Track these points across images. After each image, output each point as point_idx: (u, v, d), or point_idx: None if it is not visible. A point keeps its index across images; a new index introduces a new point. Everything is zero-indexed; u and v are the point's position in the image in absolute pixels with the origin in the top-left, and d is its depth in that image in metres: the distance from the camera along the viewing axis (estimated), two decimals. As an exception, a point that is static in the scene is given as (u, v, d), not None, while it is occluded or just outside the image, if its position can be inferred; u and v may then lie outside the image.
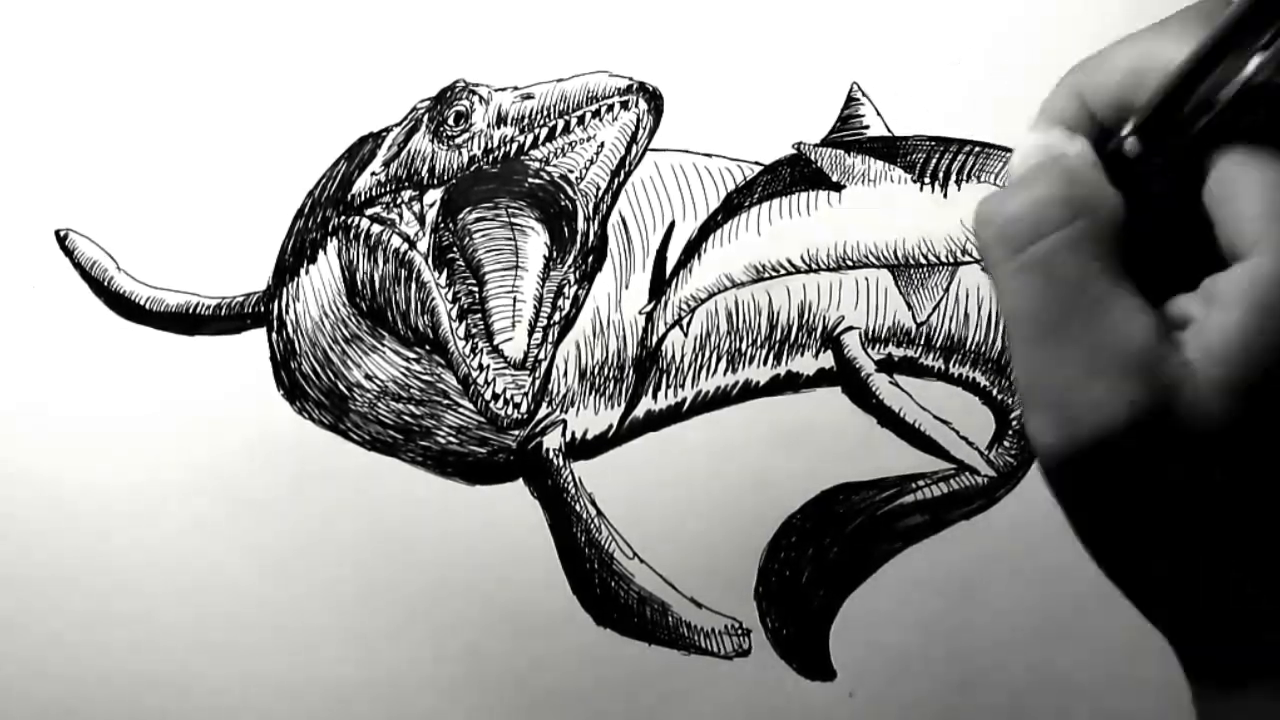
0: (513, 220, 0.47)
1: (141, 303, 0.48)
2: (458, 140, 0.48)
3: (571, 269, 0.47)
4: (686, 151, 0.48)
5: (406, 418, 0.47)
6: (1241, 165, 0.31)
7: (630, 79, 0.47)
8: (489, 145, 0.48)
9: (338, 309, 0.48)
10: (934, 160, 0.47)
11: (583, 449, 0.47)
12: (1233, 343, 0.30)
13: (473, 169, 0.48)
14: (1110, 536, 0.34)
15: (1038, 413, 0.32)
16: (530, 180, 0.47)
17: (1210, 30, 0.31)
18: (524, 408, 0.47)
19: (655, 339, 0.48)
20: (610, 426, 0.48)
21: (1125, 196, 0.33)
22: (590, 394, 0.47)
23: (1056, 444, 0.32)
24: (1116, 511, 0.33)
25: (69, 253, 0.48)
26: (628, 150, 0.47)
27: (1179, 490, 0.32)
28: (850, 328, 0.47)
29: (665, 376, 0.48)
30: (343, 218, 0.48)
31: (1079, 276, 0.32)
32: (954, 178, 0.47)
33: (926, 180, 0.47)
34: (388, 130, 0.48)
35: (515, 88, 0.48)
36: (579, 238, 0.47)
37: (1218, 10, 0.34)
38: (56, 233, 0.48)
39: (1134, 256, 0.33)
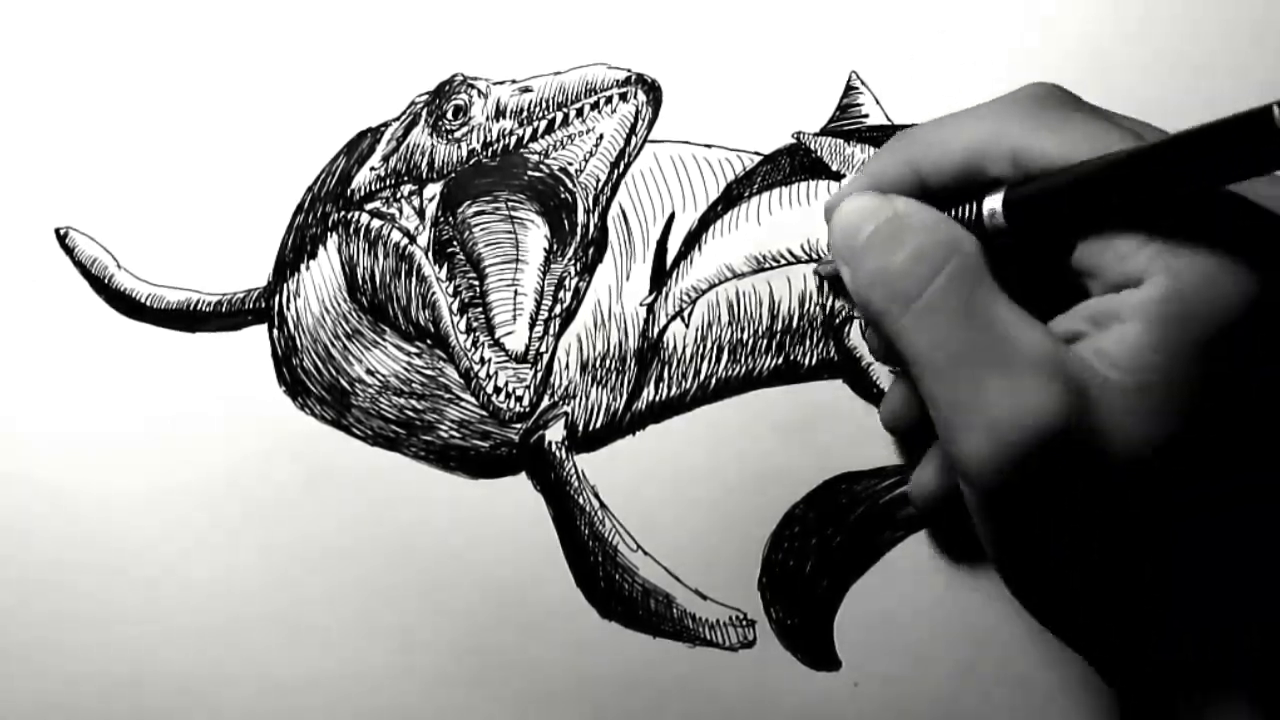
0: (512, 213, 0.47)
1: (142, 300, 0.48)
2: (456, 134, 0.48)
3: (572, 261, 0.47)
4: (685, 143, 0.48)
5: (409, 412, 0.47)
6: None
7: (628, 71, 0.47)
8: (488, 139, 0.48)
9: (338, 304, 0.48)
10: (933, 148, 0.47)
11: (585, 441, 0.47)
12: (1139, 351, 0.33)
13: (472, 162, 0.48)
14: (1039, 558, 0.35)
15: (967, 435, 0.34)
16: (530, 173, 0.47)
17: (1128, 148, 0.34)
18: (526, 401, 0.47)
19: (656, 330, 0.48)
20: (613, 418, 0.48)
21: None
22: (592, 386, 0.47)
23: (993, 457, 0.34)
24: (1045, 528, 0.34)
25: (69, 251, 0.48)
26: (627, 142, 0.47)
27: (1097, 499, 0.33)
28: (851, 317, 0.47)
29: (667, 368, 0.48)
30: (342, 213, 0.48)
31: (971, 306, 0.35)
32: (953, 166, 0.47)
33: (926, 169, 0.47)
34: (386, 125, 0.48)
35: (514, 81, 0.48)
36: (579, 230, 0.47)
37: (1050, 95, 0.37)
38: (56, 231, 0.48)
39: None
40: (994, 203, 0.37)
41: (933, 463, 0.44)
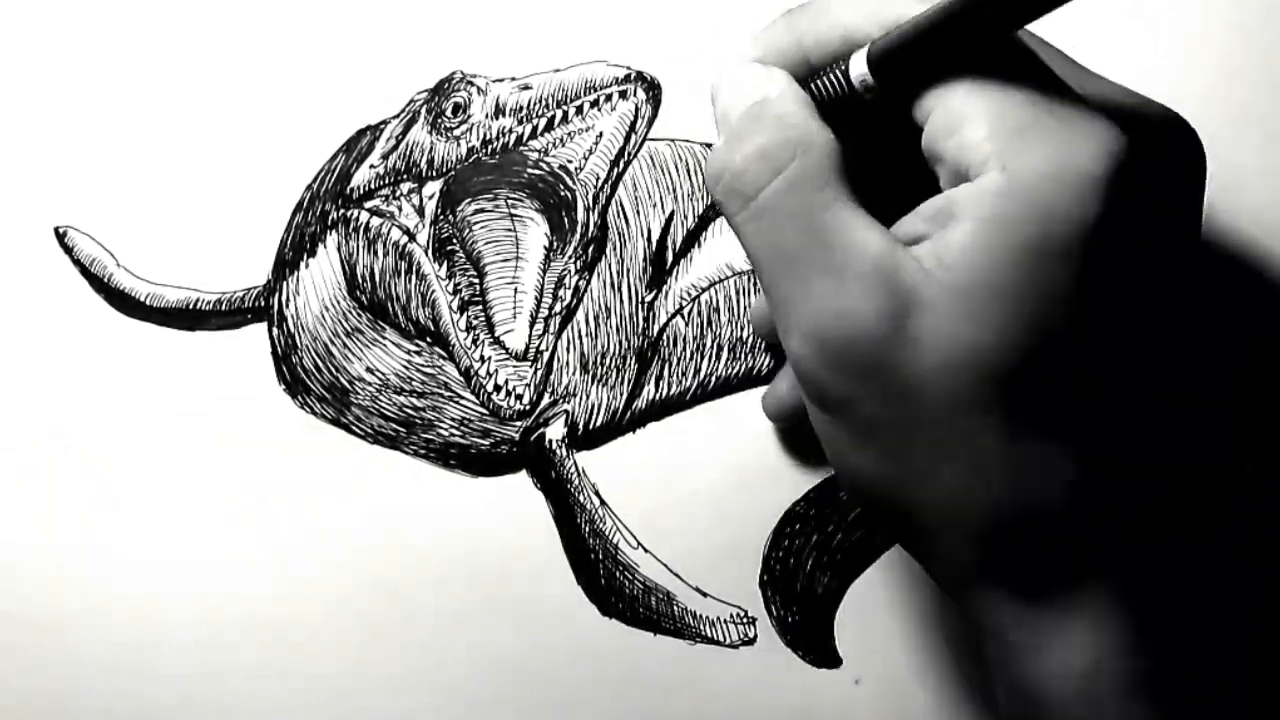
0: (512, 211, 0.47)
1: (141, 299, 0.47)
2: (456, 132, 0.48)
3: (572, 259, 0.47)
4: (686, 141, 0.48)
5: (409, 410, 0.47)
6: (966, 95, 0.33)
7: (629, 68, 0.47)
8: (487, 136, 0.47)
9: (338, 303, 0.48)
10: (933, 146, 0.47)
11: (585, 440, 0.47)
12: (966, 251, 0.32)
13: (471, 160, 0.48)
14: (862, 458, 0.35)
15: (793, 336, 0.34)
16: (529, 171, 0.47)
17: None
18: (526, 399, 0.47)
19: (657, 329, 0.48)
20: (613, 417, 0.48)
21: (845, 128, 0.36)
22: (593, 384, 0.47)
23: (812, 357, 0.34)
24: (864, 430, 0.34)
25: (68, 250, 0.48)
26: (627, 140, 0.47)
27: (914, 404, 0.33)
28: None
29: (667, 366, 0.48)
30: (342, 211, 0.48)
31: (805, 210, 0.34)
32: (953, 163, 0.47)
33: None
34: (386, 123, 0.48)
35: (513, 78, 0.48)
36: (579, 228, 0.47)
37: None
38: (55, 230, 0.48)
39: (861, 181, 0.35)
40: (860, 60, 0.35)
41: (786, 376, 0.44)
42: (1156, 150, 0.34)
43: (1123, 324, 0.33)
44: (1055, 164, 0.31)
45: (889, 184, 0.36)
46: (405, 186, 0.48)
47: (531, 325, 0.47)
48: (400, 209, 0.47)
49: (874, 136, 0.36)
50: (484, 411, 0.47)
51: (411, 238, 0.47)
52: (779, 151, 0.35)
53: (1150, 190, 0.32)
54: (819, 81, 0.37)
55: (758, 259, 0.35)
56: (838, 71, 0.36)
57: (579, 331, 0.47)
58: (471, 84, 0.48)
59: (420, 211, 0.47)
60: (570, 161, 0.47)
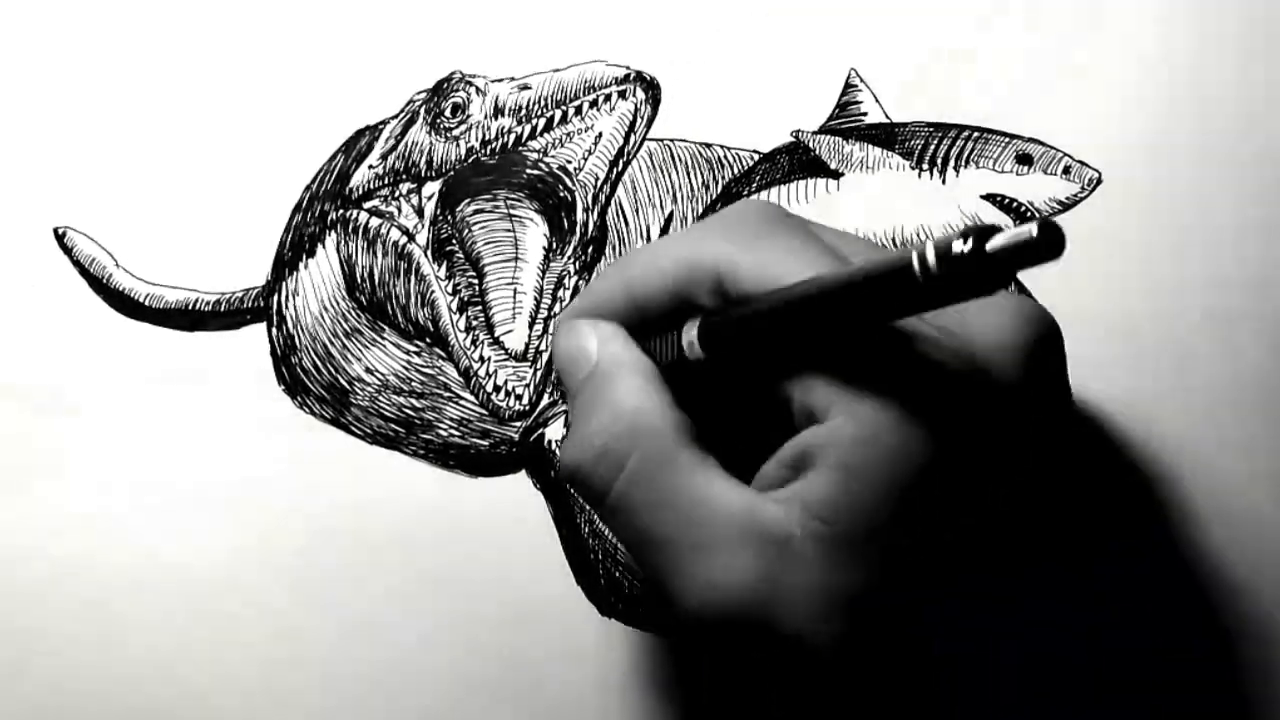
0: (511, 212, 0.47)
1: (140, 299, 0.47)
2: (455, 132, 0.48)
3: (571, 260, 0.47)
4: (684, 141, 0.48)
5: (408, 411, 0.47)
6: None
7: (628, 68, 0.47)
8: (486, 137, 0.47)
9: (337, 303, 0.48)
10: (932, 146, 0.47)
11: (585, 440, 0.47)
12: (827, 503, 0.33)
13: (470, 161, 0.48)
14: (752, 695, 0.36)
15: (670, 608, 0.35)
16: (529, 171, 0.47)
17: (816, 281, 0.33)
18: (525, 399, 0.47)
19: (656, 329, 0.48)
20: (612, 417, 0.48)
21: (686, 383, 0.37)
22: (592, 385, 0.47)
23: (694, 628, 0.34)
24: (750, 675, 0.36)
25: (67, 250, 0.48)
26: (626, 140, 0.47)
27: (801, 648, 0.34)
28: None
29: (666, 366, 0.48)
30: (341, 211, 0.48)
31: (657, 495, 0.35)
32: (953, 164, 0.47)
33: (925, 166, 0.47)
34: (385, 123, 0.48)
35: (512, 78, 0.48)
36: (578, 228, 0.47)
37: (753, 213, 0.37)
38: (55, 230, 0.48)
39: (713, 430, 0.36)
40: (691, 334, 0.36)
41: None
42: (1004, 347, 0.34)
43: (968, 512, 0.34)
44: (898, 404, 0.32)
45: (745, 425, 0.37)
46: (404, 187, 0.48)
47: (531, 326, 0.47)
48: (399, 209, 0.47)
49: (716, 389, 0.37)
50: (483, 412, 0.47)
51: (411, 238, 0.47)
52: (619, 446, 0.35)
53: (1004, 393, 0.33)
54: (656, 342, 0.38)
55: (629, 547, 0.36)
56: (672, 337, 0.37)
57: (578, 332, 0.47)
58: (470, 84, 0.48)
59: (419, 212, 0.47)
60: (569, 162, 0.47)
